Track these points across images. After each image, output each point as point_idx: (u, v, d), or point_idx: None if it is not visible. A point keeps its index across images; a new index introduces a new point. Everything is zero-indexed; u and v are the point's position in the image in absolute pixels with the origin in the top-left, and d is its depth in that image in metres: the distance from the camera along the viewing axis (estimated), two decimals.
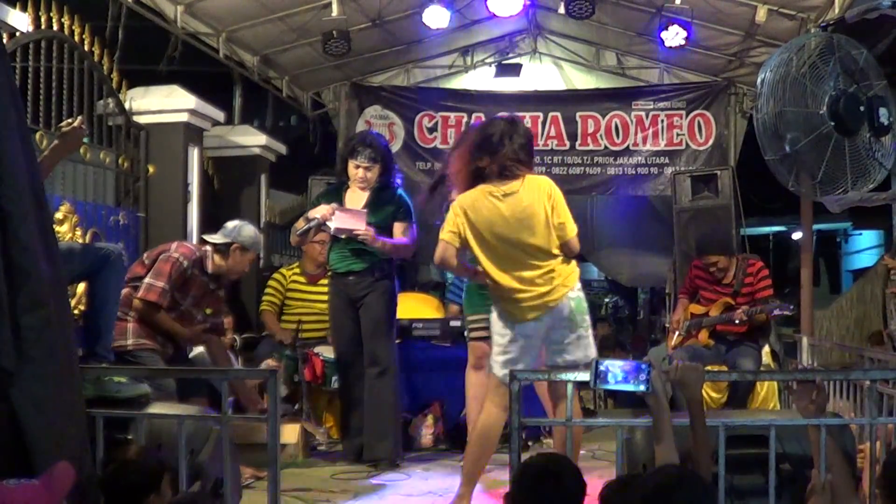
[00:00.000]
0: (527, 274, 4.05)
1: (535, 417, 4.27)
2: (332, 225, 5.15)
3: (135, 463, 2.80)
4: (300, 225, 5.29)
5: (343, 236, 5.23)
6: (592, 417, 6.54)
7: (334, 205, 5.20)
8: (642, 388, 2.74)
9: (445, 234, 4.12)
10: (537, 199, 4.06)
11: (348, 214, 5.16)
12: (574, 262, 4.21)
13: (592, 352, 4.14)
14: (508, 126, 4.15)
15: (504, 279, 4.07)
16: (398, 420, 5.48)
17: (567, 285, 4.08)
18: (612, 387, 2.81)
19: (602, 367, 2.81)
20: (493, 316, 4.19)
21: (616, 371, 2.78)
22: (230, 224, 5.00)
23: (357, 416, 5.40)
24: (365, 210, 5.20)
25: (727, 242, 6.32)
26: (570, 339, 4.10)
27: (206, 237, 5.06)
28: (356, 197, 5.38)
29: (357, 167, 5.33)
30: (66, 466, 2.38)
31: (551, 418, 4.32)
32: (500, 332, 4.13)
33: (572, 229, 4.11)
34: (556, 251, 4.08)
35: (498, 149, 4.07)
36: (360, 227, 5.12)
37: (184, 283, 4.70)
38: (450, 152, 4.50)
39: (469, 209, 4.08)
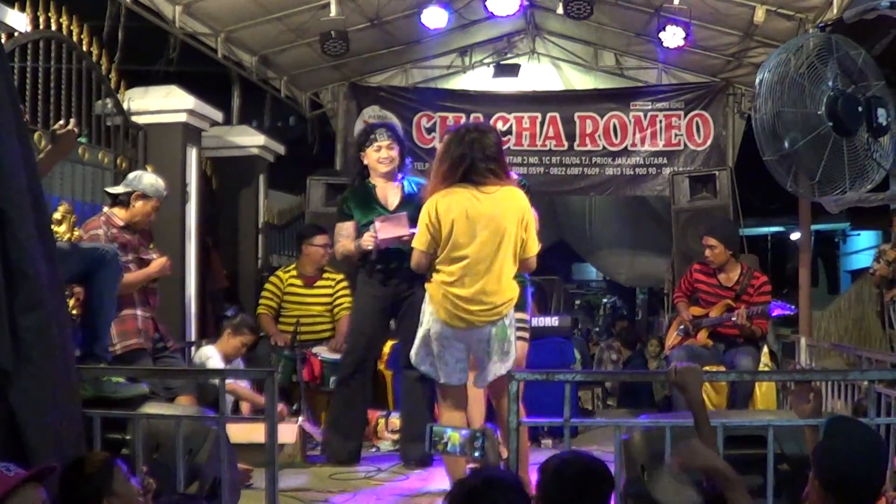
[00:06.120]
0: (479, 280, 3.97)
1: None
2: (378, 237, 5.01)
3: (68, 479, 2.58)
4: (350, 248, 5.19)
5: (389, 245, 5.06)
6: (591, 417, 6.55)
7: (375, 225, 5.03)
8: (476, 454, 2.82)
9: (418, 243, 4.08)
10: (511, 209, 4.03)
11: (390, 223, 5.01)
12: (517, 289, 4.13)
13: (510, 363, 4.09)
14: (476, 133, 4.09)
15: (454, 273, 3.99)
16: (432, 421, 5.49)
17: (501, 313, 4.03)
18: (447, 453, 2.93)
19: (436, 434, 2.91)
20: (424, 306, 4.12)
21: (450, 439, 2.88)
22: (131, 174, 5.01)
23: (353, 418, 5.39)
24: (405, 213, 5.01)
25: (732, 238, 6.29)
26: (489, 363, 4.09)
27: (108, 189, 5.09)
28: (388, 192, 5.26)
29: (379, 148, 5.22)
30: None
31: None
32: (423, 325, 4.10)
33: (534, 248, 4.11)
34: (511, 267, 4.05)
35: (466, 157, 4.02)
36: (404, 232, 4.93)
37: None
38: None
39: (440, 202, 4.01)
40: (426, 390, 5.26)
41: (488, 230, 3.97)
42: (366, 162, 5.31)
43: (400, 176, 5.32)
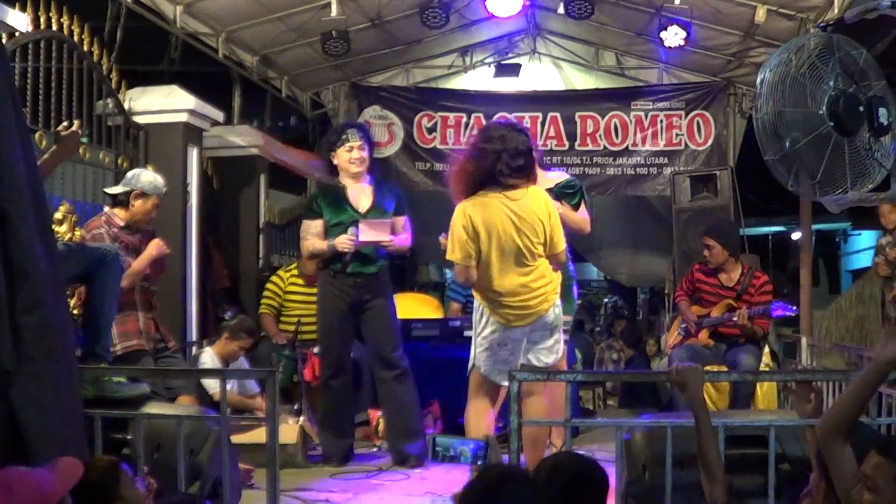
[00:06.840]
0: (525, 280, 4.16)
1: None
2: (359, 239, 5.08)
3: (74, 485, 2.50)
4: (320, 248, 5.23)
5: (366, 248, 5.15)
6: (592, 417, 6.55)
7: (353, 230, 5.12)
8: (479, 462, 2.91)
9: (457, 256, 4.16)
10: (540, 208, 4.19)
11: (373, 228, 5.10)
12: (559, 273, 4.35)
13: (561, 353, 4.34)
14: (508, 133, 4.22)
15: (505, 284, 4.15)
16: (422, 419, 5.51)
17: (556, 290, 4.26)
18: (451, 462, 3.04)
19: (440, 445, 2.98)
20: (479, 317, 4.26)
21: (460, 454, 2.98)
22: (129, 173, 5.01)
23: (342, 416, 5.42)
24: (390, 220, 5.16)
25: (731, 238, 6.27)
26: (547, 343, 4.25)
27: (107, 189, 5.08)
28: (359, 195, 5.30)
29: (351, 148, 5.25)
30: (76, 461, 2.37)
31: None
32: (486, 335, 4.21)
33: (562, 244, 4.28)
34: (546, 263, 4.24)
35: (498, 157, 4.13)
36: (385, 237, 5.07)
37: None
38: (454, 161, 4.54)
39: (474, 214, 4.14)
40: (406, 388, 5.29)
41: (522, 239, 4.14)
42: (336, 162, 5.32)
43: (369, 178, 5.34)
